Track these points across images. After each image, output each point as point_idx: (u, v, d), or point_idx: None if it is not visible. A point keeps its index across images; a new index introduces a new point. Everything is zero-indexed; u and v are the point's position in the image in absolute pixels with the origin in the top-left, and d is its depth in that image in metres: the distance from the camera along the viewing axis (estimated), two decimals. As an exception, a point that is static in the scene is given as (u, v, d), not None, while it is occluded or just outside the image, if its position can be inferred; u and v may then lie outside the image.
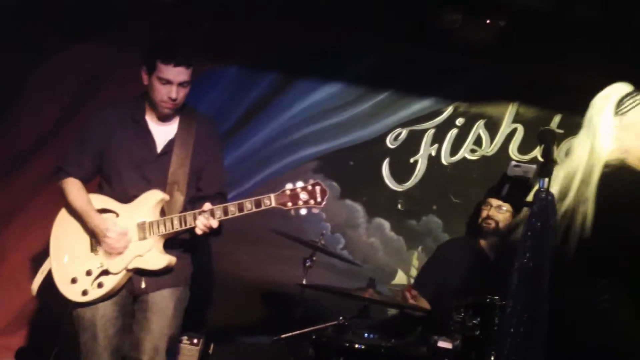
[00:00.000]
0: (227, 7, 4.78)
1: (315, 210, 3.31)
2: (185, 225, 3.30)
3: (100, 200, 3.46)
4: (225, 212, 3.26)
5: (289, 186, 3.25)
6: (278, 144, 5.12)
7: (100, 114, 3.56)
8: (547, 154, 2.34)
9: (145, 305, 3.42)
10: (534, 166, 2.41)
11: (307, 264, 4.28)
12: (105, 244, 3.34)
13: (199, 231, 3.28)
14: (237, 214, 3.24)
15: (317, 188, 3.24)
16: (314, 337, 4.01)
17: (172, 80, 3.37)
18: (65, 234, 3.49)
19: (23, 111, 4.91)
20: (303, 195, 3.22)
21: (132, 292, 3.43)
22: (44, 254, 4.36)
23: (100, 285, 3.35)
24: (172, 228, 3.32)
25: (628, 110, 2.73)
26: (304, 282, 4.24)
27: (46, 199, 4.73)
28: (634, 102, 2.74)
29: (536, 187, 2.33)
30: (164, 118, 3.50)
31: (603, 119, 2.76)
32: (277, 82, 5.12)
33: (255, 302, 4.83)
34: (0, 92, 4.82)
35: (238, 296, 4.86)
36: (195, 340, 4.46)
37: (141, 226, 3.36)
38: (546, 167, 2.31)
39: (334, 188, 5.01)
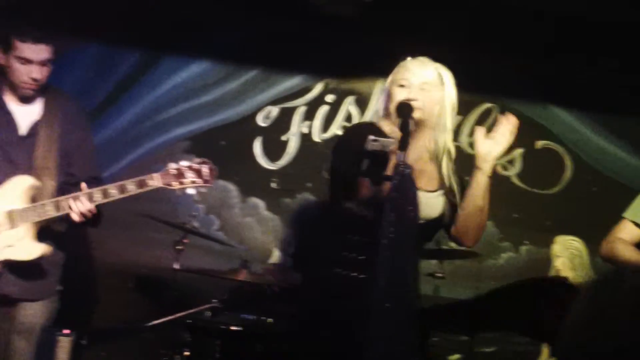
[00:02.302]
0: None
1: (203, 190, 3.16)
2: (59, 211, 3.04)
3: None
4: (105, 194, 3.02)
5: (172, 165, 3.09)
6: (147, 124, 4.98)
7: None
8: (405, 127, 2.36)
9: (12, 320, 3.20)
10: (392, 140, 2.41)
11: (178, 247, 4.19)
12: None
13: (76, 217, 3.03)
14: (118, 196, 3.02)
15: (205, 167, 3.12)
16: (189, 321, 3.95)
17: (32, 59, 3.13)
18: None
19: None
20: (189, 174, 3.07)
21: None
22: None
23: None
24: (46, 214, 3.05)
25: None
26: (175, 266, 4.15)
27: None
28: None
29: (394, 161, 2.33)
30: (25, 99, 3.24)
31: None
32: (144, 60, 4.97)
33: (128, 289, 4.72)
34: None
35: (111, 283, 4.73)
36: (66, 332, 4.29)
37: (10, 214, 3.07)
38: (404, 140, 2.32)
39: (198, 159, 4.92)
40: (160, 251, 4.57)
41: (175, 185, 3.07)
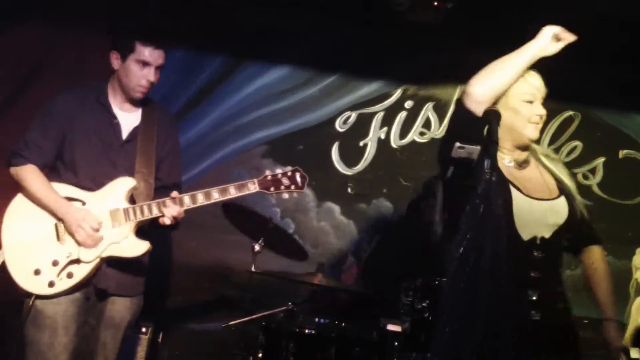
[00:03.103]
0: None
1: (295, 195, 3.38)
2: (161, 212, 3.20)
3: (63, 189, 3.26)
4: (208, 196, 3.22)
5: (268, 172, 3.31)
6: (226, 128, 5.07)
7: (62, 96, 3.37)
8: (492, 135, 2.33)
9: (100, 315, 3.28)
10: (479, 147, 2.39)
11: (256, 250, 4.23)
12: (80, 234, 3.15)
13: (168, 220, 3.19)
14: (221, 198, 3.22)
15: (297, 174, 3.36)
16: (263, 323, 3.99)
17: (151, 63, 3.28)
18: (21, 223, 3.24)
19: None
20: (285, 180, 3.31)
21: (95, 287, 3.24)
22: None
23: (69, 276, 3.16)
24: (150, 214, 3.21)
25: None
26: (253, 268, 4.20)
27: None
28: None
29: (481, 169, 2.31)
30: (127, 105, 3.39)
31: None
32: (225, 65, 5.07)
33: (205, 289, 4.80)
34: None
35: (187, 283, 4.81)
36: (144, 329, 4.39)
37: (115, 212, 3.22)
38: (490, 148, 2.30)
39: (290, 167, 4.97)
40: (235, 252, 4.65)
41: (272, 190, 3.30)
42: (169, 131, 3.50)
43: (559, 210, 2.68)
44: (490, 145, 2.30)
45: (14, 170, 3.29)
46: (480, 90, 2.63)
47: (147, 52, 3.27)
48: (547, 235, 2.64)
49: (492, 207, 2.32)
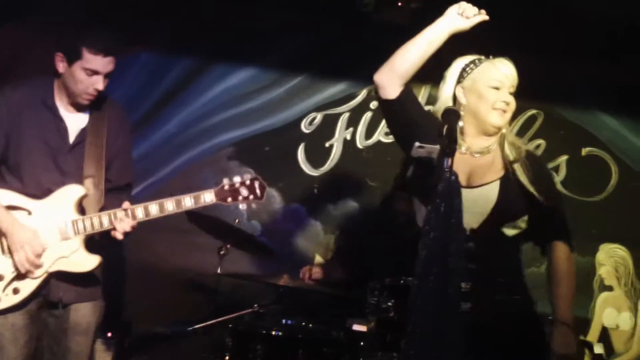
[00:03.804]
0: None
1: (253, 205, 3.30)
2: (113, 224, 3.07)
3: (7, 196, 3.09)
4: (162, 208, 3.10)
5: (226, 181, 3.19)
6: (193, 131, 5.03)
7: (4, 95, 3.16)
8: (451, 134, 2.34)
9: (65, 323, 3.18)
10: (438, 146, 2.41)
11: (222, 252, 4.22)
12: (19, 256, 3.00)
13: (119, 235, 3.07)
14: (175, 210, 3.11)
15: (256, 183, 3.23)
16: (230, 325, 3.98)
17: (99, 71, 3.08)
18: None
19: None
20: (243, 191, 3.20)
21: (47, 299, 3.14)
22: None
23: (15, 291, 3.02)
24: (101, 227, 3.07)
25: (468, 76, 2.77)
26: (219, 270, 4.19)
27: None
28: (473, 67, 2.78)
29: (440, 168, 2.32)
30: (77, 106, 3.20)
31: (445, 89, 2.83)
32: (192, 67, 5.02)
33: (172, 292, 4.76)
34: None
35: (154, 286, 4.75)
36: (109, 334, 4.35)
37: (63, 225, 3.07)
38: (450, 147, 2.31)
39: (249, 174, 4.95)
40: (203, 254, 4.60)
41: (229, 201, 3.19)
42: (119, 128, 3.32)
43: (487, 195, 2.65)
44: (450, 144, 2.31)
45: None
46: (384, 76, 2.75)
47: (96, 61, 3.08)
48: (474, 225, 2.62)
49: (453, 206, 2.34)
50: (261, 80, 5.06)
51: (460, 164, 2.58)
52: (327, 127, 5.07)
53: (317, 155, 5.06)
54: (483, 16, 2.69)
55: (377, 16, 4.59)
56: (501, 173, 2.71)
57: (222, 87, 5.04)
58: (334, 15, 4.70)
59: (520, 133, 4.97)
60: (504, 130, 2.78)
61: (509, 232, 2.70)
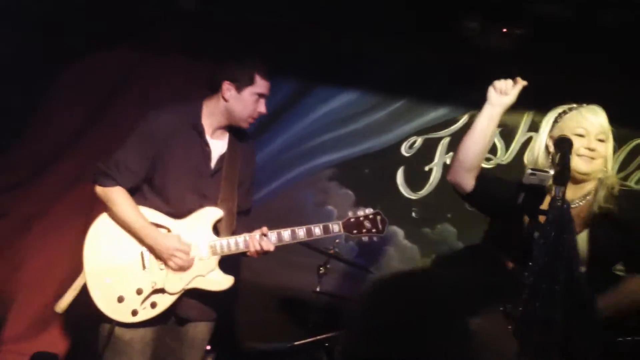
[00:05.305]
0: (246, 12, 4.78)
1: (375, 239, 3.47)
2: (248, 247, 3.26)
3: (149, 214, 3.25)
4: (294, 236, 3.31)
5: (351, 214, 3.40)
6: (294, 152, 5.15)
7: (157, 117, 3.30)
8: (564, 162, 2.34)
9: (183, 337, 3.34)
10: (550, 174, 2.41)
11: (321, 272, 4.29)
12: (175, 262, 3.17)
13: (255, 254, 3.28)
14: (305, 238, 3.33)
15: (378, 217, 3.43)
16: (326, 344, 4.02)
17: (265, 95, 3.34)
18: (106, 247, 3.22)
19: (44, 118, 4.91)
20: (367, 224, 3.39)
21: (176, 315, 3.30)
22: (63, 261, 4.38)
23: (153, 305, 3.18)
24: (237, 249, 3.26)
25: (557, 125, 2.80)
26: (318, 289, 4.25)
27: (67, 205, 4.76)
28: (563, 115, 2.81)
29: (551, 196, 2.32)
30: (218, 132, 3.38)
31: (538, 141, 2.87)
32: (297, 89, 5.15)
33: (270, 309, 4.84)
34: (23, 100, 4.81)
35: (252, 303, 4.85)
36: (208, 347, 4.43)
37: (202, 245, 3.25)
38: (562, 175, 2.31)
39: (348, 196, 5.03)
40: (301, 273, 4.69)
41: (355, 233, 3.39)
42: (250, 156, 3.53)
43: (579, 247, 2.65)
44: (562, 172, 2.31)
45: (101, 190, 3.26)
46: (455, 174, 2.90)
47: (264, 85, 3.31)
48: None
49: (563, 235, 2.33)
50: (363, 103, 5.13)
51: None
52: (427, 151, 5.08)
53: (416, 179, 5.08)
54: (521, 84, 2.76)
55: (480, 41, 4.59)
56: (588, 223, 2.73)
57: (324, 110, 5.14)
58: (437, 40, 4.72)
59: (625, 163, 4.85)
60: (600, 176, 2.77)
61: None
